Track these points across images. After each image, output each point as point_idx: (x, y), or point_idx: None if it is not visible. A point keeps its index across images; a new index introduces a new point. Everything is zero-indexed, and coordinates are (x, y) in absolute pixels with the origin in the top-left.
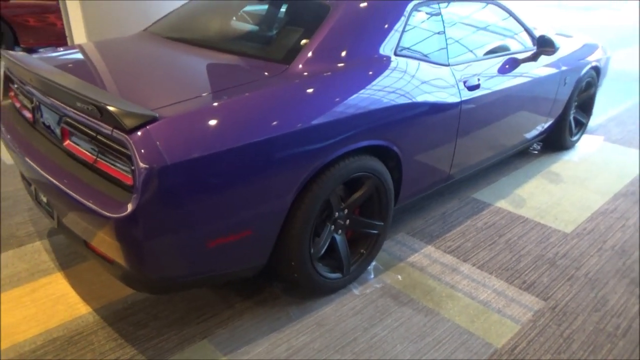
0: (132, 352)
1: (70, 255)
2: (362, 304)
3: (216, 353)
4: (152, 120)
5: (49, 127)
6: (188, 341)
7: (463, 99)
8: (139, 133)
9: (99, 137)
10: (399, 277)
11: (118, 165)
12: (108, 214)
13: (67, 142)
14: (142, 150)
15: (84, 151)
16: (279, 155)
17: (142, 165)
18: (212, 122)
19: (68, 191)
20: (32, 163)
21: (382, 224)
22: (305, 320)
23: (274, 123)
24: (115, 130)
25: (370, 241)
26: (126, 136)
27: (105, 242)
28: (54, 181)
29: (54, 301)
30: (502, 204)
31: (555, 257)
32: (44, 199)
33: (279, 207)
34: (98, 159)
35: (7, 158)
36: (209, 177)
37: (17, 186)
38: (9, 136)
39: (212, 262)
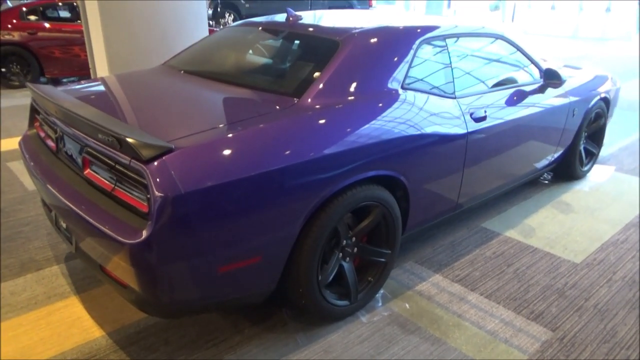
0: None
1: (86, 279)
2: (369, 331)
3: None
4: (168, 151)
5: (71, 156)
6: None
7: (469, 130)
8: (156, 163)
9: (117, 166)
10: (407, 305)
11: (135, 193)
12: (123, 240)
13: (88, 170)
14: (158, 179)
15: (103, 179)
16: (289, 184)
17: (157, 193)
18: (226, 153)
19: (86, 217)
20: (53, 190)
21: (390, 252)
22: (313, 347)
23: (286, 153)
24: (133, 160)
25: (378, 269)
26: (143, 166)
27: (120, 267)
28: (74, 207)
29: (69, 324)
30: (512, 233)
31: (565, 287)
32: (64, 225)
33: (288, 234)
34: (116, 187)
35: (30, 184)
36: (222, 205)
37: (37, 211)
38: (32, 164)
39: (222, 287)
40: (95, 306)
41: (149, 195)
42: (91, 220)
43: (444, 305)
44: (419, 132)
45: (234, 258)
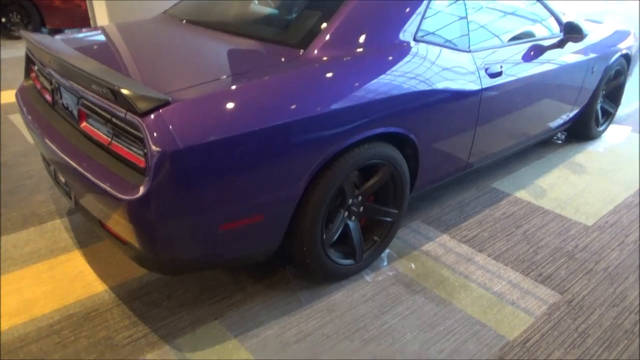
0: (145, 330)
1: (89, 233)
2: (373, 291)
3: (227, 334)
4: (166, 103)
5: (67, 108)
6: (199, 322)
7: (484, 86)
8: (152, 116)
9: (113, 119)
10: (412, 265)
11: (132, 148)
12: (121, 196)
13: (84, 124)
14: (155, 134)
15: (100, 133)
16: (294, 141)
17: (154, 148)
18: (227, 106)
19: (84, 172)
20: (50, 144)
21: (397, 211)
22: (316, 305)
23: (290, 108)
24: (128, 113)
25: (384, 229)
26: (139, 119)
27: (119, 223)
28: (71, 162)
29: (71, 278)
30: (522, 194)
31: (575, 250)
32: (62, 179)
33: (292, 192)
34: (113, 142)
35: (31, 138)
36: (222, 161)
37: (39, 165)
38: (29, 117)
39: (223, 245)
40: (97, 261)
41: (145, 150)
42: (88, 176)
43: (450, 266)
44: (431, 88)
45: (235, 216)
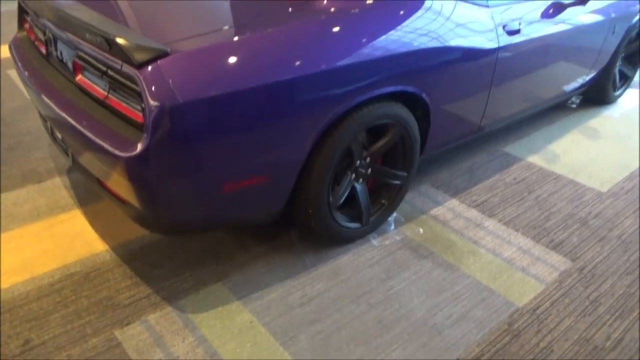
0: (147, 291)
1: (89, 192)
2: (380, 255)
3: (230, 296)
4: (164, 54)
5: (62, 61)
6: (202, 283)
7: (501, 45)
8: (149, 68)
9: (109, 72)
10: (420, 230)
11: (129, 102)
12: (118, 153)
13: (79, 77)
14: (152, 87)
15: (96, 87)
16: (300, 98)
17: (152, 103)
18: (229, 59)
19: (80, 129)
20: (46, 99)
21: (406, 174)
22: (321, 268)
23: (296, 62)
24: (124, 64)
25: (392, 192)
26: (136, 71)
27: (118, 182)
28: (67, 118)
29: (72, 237)
30: (534, 159)
31: (588, 217)
32: (59, 136)
33: (297, 152)
34: (109, 96)
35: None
36: (224, 118)
37: (39, 121)
38: (26, 73)
39: (226, 206)
40: (98, 220)
41: (143, 105)
42: (85, 132)
43: (459, 231)
44: (445, 45)
45: (238, 177)
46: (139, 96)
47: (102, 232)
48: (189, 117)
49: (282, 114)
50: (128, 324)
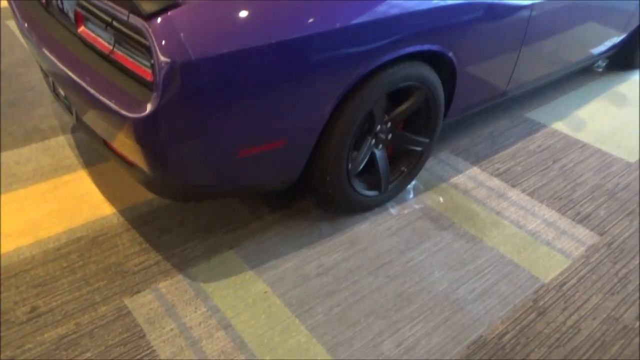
0: (157, 257)
1: (94, 152)
2: (399, 224)
3: (242, 265)
4: (175, 4)
5: (62, 10)
6: (214, 251)
7: (535, 1)
8: (159, 20)
9: (114, 23)
10: (440, 199)
11: (136, 57)
12: (126, 114)
13: (82, 28)
14: (163, 42)
15: (100, 40)
16: (319, 57)
17: (162, 59)
18: (244, 13)
19: (84, 85)
20: (47, 53)
21: (428, 141)
22: (338, 237)
23: (315, 19)
24: (131, 15)
25: (413, 159)
26: (144, 23)
27: (125, 144)
28: (69, 73)
29: (77, 199)
30: (559, 125)
31: (616, 189)
32: (62, 93)
33: (316, 116)
34: (114, 50)
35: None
36: (240, 77)
37: (40, 75)
38: (25, 24)
39: (241, 172)
40: (104, 181)
41: (152, 61)
42: (89, 89)
43: (481, 200)
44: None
45: (254, 141)
46: (147, 51)
47: (109, 194)
48: (202, 75)
49: (300, 74)
50: (138, 292)
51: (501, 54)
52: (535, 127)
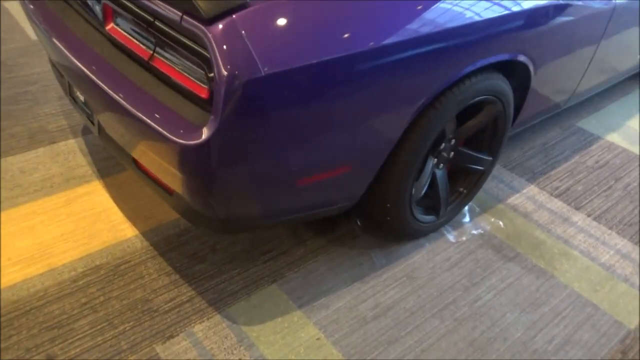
0: (190, 292)
1: (111, 160)
2: (458, 254)
3: (289, 303)
4: (241, 6)
5: (85, 2)
6: (254, 284)
7: (617, 2)
8: (222, 25)
9: (157, 24)
10: (501, 223)
11: (187, 69)
12: (173, 138)
13: (111, 25)
14: (228, 53)
15: (135, 42)
16: (403, 67)
17: (226, 73)
18: (322, 18)
19: (114, 96)
20: (62, 47)
21: (491, 159)
22: (392, 269)
23: (403, 23)
24: (186, 17)
25: (472, 178)
26: (204, 28)
27: (164, 169)
28: (95, 79)
29: (94, 217)
30: (614, 137)
31: None
32: (81, 98)
33: (389, 137)
34: (155, 56)
35: (33, 32)
36: (313, 95)
37: (45, 67)
38: (31, 6)
39: (298, 202)
40: (124, 196)
41: (212, 74)
42: (122, 102)
43: (544, 226)
44: (562, 1)
45: (319, 168)
46: (204, 62)
47: (130, 211)
48: (271, 94)
49: (379, 88)
50: (171, 337)
51: (575, 59)
52: (589, 138)
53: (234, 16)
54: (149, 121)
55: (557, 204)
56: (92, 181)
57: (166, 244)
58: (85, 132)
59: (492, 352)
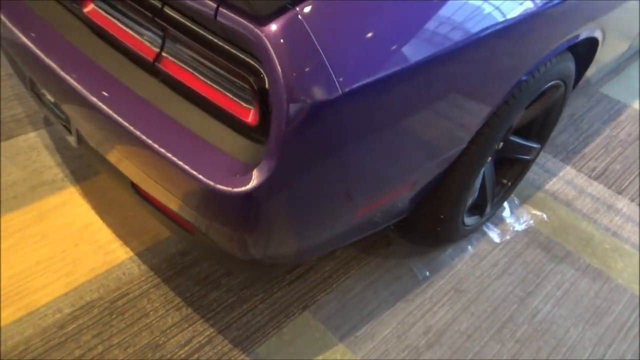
0: (209, 330)
1: (86, 158)
2: (505, 257)
3: (327, 335)
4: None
5: None
6: (284, 313)
7: None
8: (280, 24)
9: (168, 12)
10: (544, 216)
11: (219, 79)
12: (205, 180)
13: (90, 7)
14: (292, 62)
15: (130, 33)
16: (481, 65)
17: (290, 94)
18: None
19: (104, 110)
20: (14, 29)
21: (539, 146)
22: (437, 282)
23: (486, 12)
24: (223, 9)
25: (517, 169)
26: (254, 28)
27: (186, 210)
28: (71, 82)
29: (75, 238)
30: None
31: None
32: (50, 98)
33: (459, 142)
34: (163, 56)
35: None
36: (393, 110)
37: None
38: None
39: (348, 232)
40: (108, 205)
41: (271, 91)
42: (118, 120)
43: (589, 216)
44: None
45: (381, 193)
46: (250, 74)
47: (118, 226)
48: (344, 116)
49: (460, 88)
50: None
51: (631, 29)
52: (616, 107)
53: (297, 9)
54: (167, 154)
55: (597, 188)
56: (66, 188)
57: (169, 267)
58: (49, 122)
59: None
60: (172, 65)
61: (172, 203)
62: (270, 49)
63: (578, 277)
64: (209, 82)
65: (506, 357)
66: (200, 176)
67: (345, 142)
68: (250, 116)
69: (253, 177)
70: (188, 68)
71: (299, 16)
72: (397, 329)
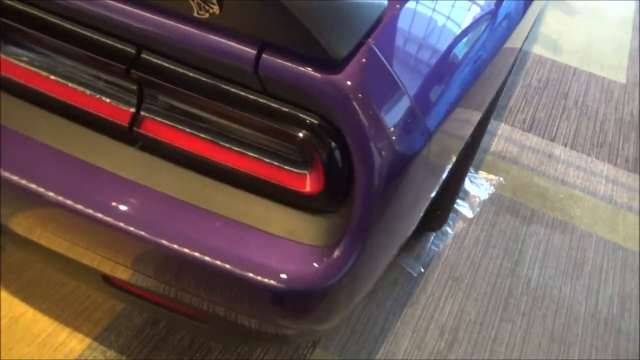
0: None
1: None
2: (483, 232)
3: None
4: (375, 24)
5: None
6: (295, 357)
7: None
8: (354, 68)
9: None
10: (501, 179)
11: (252, 142)
12: (277, 285)
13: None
14: (373, 110)
15: (78, 89)
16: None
17: (377, 150)
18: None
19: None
20: None
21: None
22: (433, 275)
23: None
24: (268, 56)
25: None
26: (324, 78)
27: (212, 305)
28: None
29: (5, 338)
30: (538, 49)
31: (632, 119)
32: None
33: (465, 141)
34: (146, 116)
35: None
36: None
37: None
38: None
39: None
40: (31, 286)
41: (355, 155)
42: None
43: (536, 169)
44: None
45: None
46: (305, 131)
47: (56, 310)
48: (430, 164)
49: (484, 90)
50: None
51: None
52: (519, 55)
53: (374, 46)
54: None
55: (534, 140)
56: None
57: (142, 344)
58: None
59: (574, 340)
60: (151, 126)
61: (188, 298)
62: (352, 97)
63: (550, 234)
64: (243, 151)
65: (520, 336)
66: (266, 280)
67: (408, 197)
68: (308, 184)
69: (336, 261)
70: (211, 138)
71: (380, 59)
72: (414, 339)
